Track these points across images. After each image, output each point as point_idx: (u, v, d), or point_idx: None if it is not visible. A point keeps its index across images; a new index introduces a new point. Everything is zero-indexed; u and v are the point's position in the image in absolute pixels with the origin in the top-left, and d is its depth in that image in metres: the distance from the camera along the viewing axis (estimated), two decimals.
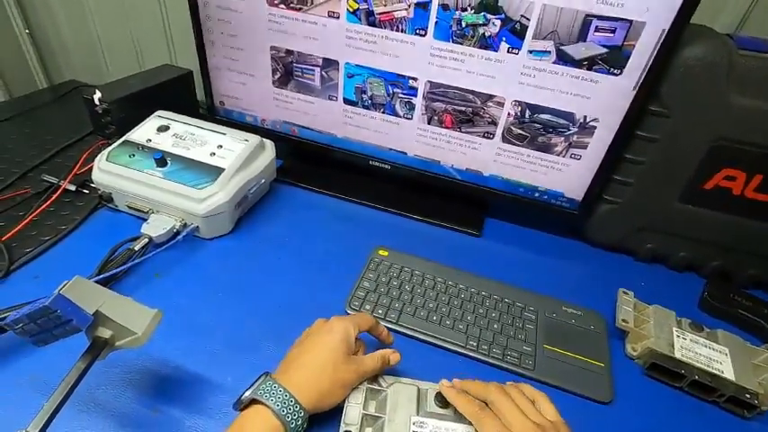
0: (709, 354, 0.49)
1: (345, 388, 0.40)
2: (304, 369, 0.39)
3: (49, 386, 0.34)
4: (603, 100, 0.55)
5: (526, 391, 0.40)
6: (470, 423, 0.38)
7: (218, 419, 0.41)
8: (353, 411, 0.40)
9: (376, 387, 0.42)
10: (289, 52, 0.65)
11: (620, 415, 0.46)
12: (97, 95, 0.69)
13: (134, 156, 0.61)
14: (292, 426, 0.35)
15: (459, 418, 0.40)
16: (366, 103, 0.66)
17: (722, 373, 0.47)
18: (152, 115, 0.68)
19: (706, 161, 0.56)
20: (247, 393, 0.37)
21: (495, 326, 0.52)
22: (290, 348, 0.42)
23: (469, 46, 0.56)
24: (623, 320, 0.52)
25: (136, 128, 0.66)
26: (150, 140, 0.64)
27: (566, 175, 0.62)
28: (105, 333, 0.36)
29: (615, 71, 0.52)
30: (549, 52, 0.54)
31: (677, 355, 0.49)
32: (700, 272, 0.65)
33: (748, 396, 0.46)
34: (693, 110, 0.54)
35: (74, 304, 0.33)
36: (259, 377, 0.38)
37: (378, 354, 0.43)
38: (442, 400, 0.41)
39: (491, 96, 0.59)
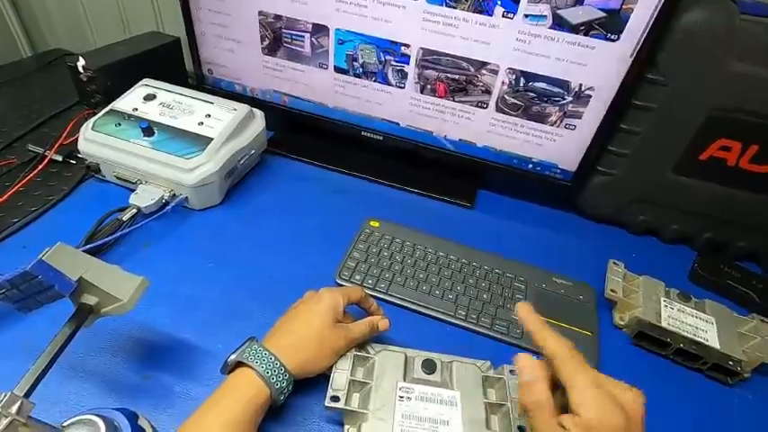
0: (696, 323, 0.50)
1: (333, 354, 0.40)
2: (290, 334, 0.39)
3: (38, 353, 0.34)
4: (600, 67, 0.53)
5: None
6: (456, 389, 0.39)
7: (208, 385, 0.42)
8: (341, 377, 0.40)
9: (364, 354, 0.42)
10: (277, 17, 0.63)
11: None
12: (81, 63, 0.67)
13: (120, 125, 0.60)
14: (277, 387, 0.36)
15: (445, 383, 0.40)
16: (357, 72, 0.64)
17: (707, 341, 0.48)
18: (138, 84, 0.67)
19: (702, 131, 0.55)
20: (233, 356, 0.37)
21: (485, 296, 0.53)
22: (279, 317, 0.43)
23: (463, 10, 0.54)
24: (612, 290, 0.52)
25: (122, 96, 0.64)
26: (137, 109, 0.62)
27: (560, 145, 0.61)
28: (90, 300, 0.36)
29: (612, 37, 0.51)
30: (546, 16, 0.52)
31: (664, 324, 0.49)
32: (691, 244, 0.66)
33: (731, 363, 0.47)
34: (691, 77, 0.52)
35: (55, 270, 0.33)
36: (245, 341, 0.38)
37: (366, 320, 0.43)
38: (428, 367, 0.41)
39: (485, 64, 0.57)
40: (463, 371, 0.42)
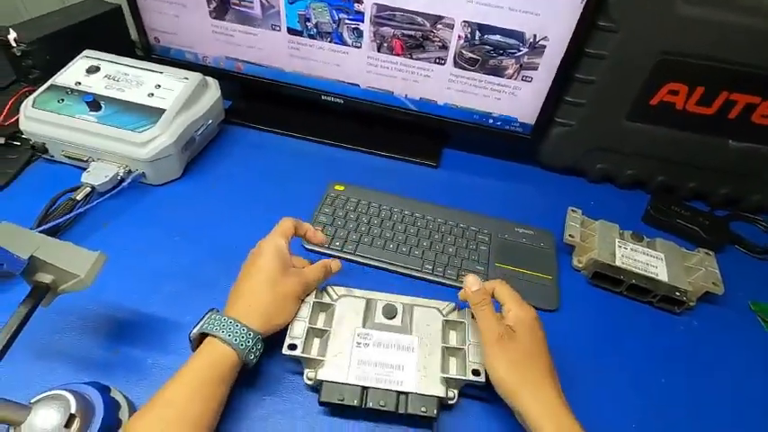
0: (647, 260, 0.53)
1: (293, 301, 0.41)
2: (245, 296, 0.40)
3: None
4: (552, 16, 0.53)
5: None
6: (414, 334, 0.41)
7: (180, 354, 0.42)
8: (299, 325, 0.41)
9: (325, 301, 0.43)
10: None
11: (565, 320, 0.50)
12: (12, 35, 0.63)
13: (63, 101, 0.57)
14: (242, 347, 0.36)
15: (405, 329, 0.42)
16: (312, 32, 0.62)
17: (657, 276, 0.51)
18: (79, 56, 0.63)
19: (652, 76, 0.57)
20: (194, 330, 0.37)
21: (450, 249, 0.54)
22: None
23: None
24: (570, 236, 0.55)
25: (62, 70, 0.61)
26: (80, 83, 0.59)
27: (518, 99, 0.62)
28: (46, 278, 0.35)
29: None
30: None
31: (618, 263, 0.52)
32: (646, 188, 0.69)
33: (678, 294, 0.50)
34: (640, 22, 0.53)
35: (2, 249, 0.32)
36: (205, 314, 0.39)
37: (318, 264, 0.45)
38: (389, 312, 0.43)
39: (440, 18, 0.57)
40: (424, 315, 0.43)
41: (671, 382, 0.46)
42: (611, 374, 0.46)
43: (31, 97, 0.57)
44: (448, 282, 0.51)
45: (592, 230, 0.56)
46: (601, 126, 0.63)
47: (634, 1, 0.52)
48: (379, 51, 0.62)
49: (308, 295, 0.43)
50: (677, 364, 0.48)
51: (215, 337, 0.36)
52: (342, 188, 0.60)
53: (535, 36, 0.56)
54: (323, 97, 0.68)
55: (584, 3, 0.52)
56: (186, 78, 0.61)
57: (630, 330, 0.50)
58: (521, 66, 0.59)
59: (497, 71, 0.60)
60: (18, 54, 0.64)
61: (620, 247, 0.54)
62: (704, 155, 0.62)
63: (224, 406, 0.37)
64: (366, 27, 0.60)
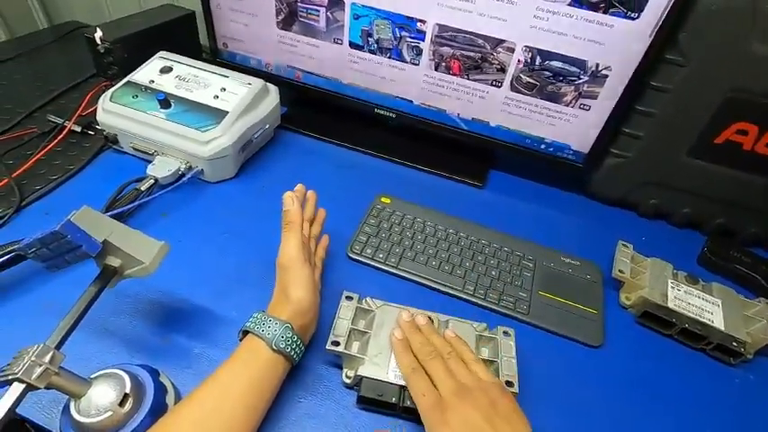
0: (702, 304, 0.50)
1: (316, 289, 0.42)
2: (278, 293, 0.42)
3: (66, 312, 0.35)
4: (618, 46, 0.53)
5: (465, 354, 0.41)
6: None
7: (225, 348, 0.44)
8: (342, 325, 0.43)
9: (365, 307, 0.45)
10: None
11: (608, 358, 0.48)
12: (98, 34, 0.68)
13: (137, 96, 0.61)
14: (268, 336, 0.38)
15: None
16: (372, 47, 0.64)
17: (712, 322, 0.49)
18: (155, 56, 0.67)
19: (719, 114, 0.55)
20: (241, 329, 0.39)
21: (493, 272, 0.54)
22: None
23: None
24: (620, 271, 0.53)
25: (138, 69, 0.65)
26: (153, 81, 0.63)
27: (574, 126, 0.61)
28: (114, 262, 0.38)
29: (632, 15, 0.50)
30: None
31: (670, 304, 0.50)
32: (702, 229, 0.66)
33: (735, 344, 0.47)
34: (711, 58, 0.52)
35: (82, 231, 0.34)
36: (253, 313, 0.40)
37: (319, 246, 0.50)
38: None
39: (501, 41, 0.57)
40: (458, 328, 0.44)
41: None
42: (653, 421, 0.44)
43: (110, 91, 0.62)
44: (489, 305, 0.51)
45: (643, 267, 0.54)
46: (658, 160, 0.61)
47: (706, 36, 0.51)
48: (436, 70, 0.63)
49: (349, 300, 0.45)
50: (727, 419, 0.45)
51: (252, 333, 0.38)
52: (388, 201, 0.61)
53: (598, 65, 0.55)
54: (376, 110, 0.70)
55: (652, 36, 0.51)
56: (249, 84, 0.64)
57: (678, 377, 0.48)
58: (580, 94, 0.58)
59: (555, 97, 0.59)
60: (102, 51, 0.69)
61: (672, 287, 0.52)
62: None
63: (270, 400, 0.38)
64: (426, 46, 0.61)
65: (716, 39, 0.50)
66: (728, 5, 0.49)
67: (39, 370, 0.30)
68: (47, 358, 0.30)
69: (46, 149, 0.62)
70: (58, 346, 0.33)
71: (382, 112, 0.69)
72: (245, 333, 0.39)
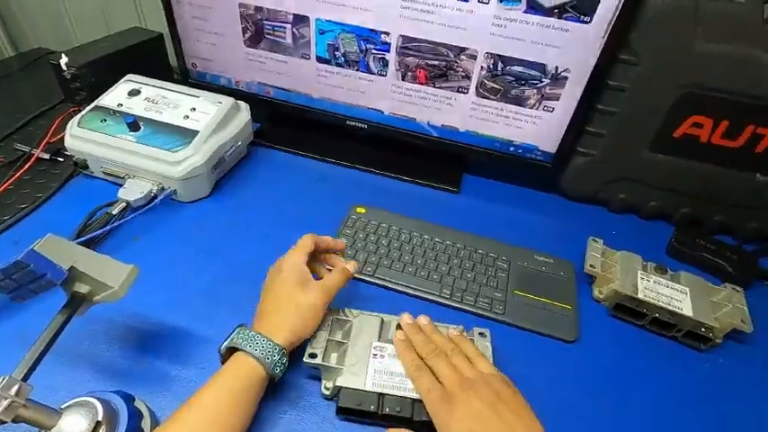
0: (671, 293, 0.52)
1: (315, 313, 0.42)
2: (269, 313, 0.41)
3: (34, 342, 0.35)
4: (574, 49, 0.55)
5: (468, 350, 0.42)
6: None
7: (204, 368, 0.43)
8: (320, 337, 0.43)
9: (342, 317, 0.45)
10: (258, 9, 0.63)
11: (584, 352, 0.49)
12: (64, 60, 0.68)
13: (106, 121, 0.61)
14: (268, 361, 0.37)
15: None
16: (339, 61, 0.65)
17: (681, 310, 0.50)
18: (122, 79, 0.67)
19: (674, 109, 0.57)
20: (225, 344, 0.39)
21: (469, 275, 0.54)
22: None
23: None
24: (591, 266, 0.54)
25: (106, 93, 0.65)
26: (121, 105, 0.63)
27: (539, 128, 0.63)
28: (83, 288, 0.37)
29: (585, 18, 0.52)
30: (520, 1, 0.53)
31: (640, 295, 0.51)
32: (669, 220, 0.68)
33: (704, 330, 0.49)
34: (661, 57, 0.54)
35: (47, 259, 0.34)
36: (234, 329, 0.40)
37: (337, 269, 0.46)
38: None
39: (463, 49, 0.59)
40: None
41: (693, 419, 0.45)
42: (630, 410, 0.45)
43: (77, 117, 0.61)
44: (465, 307, 0.52)
45: (613, 261, 0.56)
46: (623, 157, 0.63)
47: (655, 37, 0.53)
48: (403, 80, 0.64)
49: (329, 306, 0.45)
50: (701, 402, 0.46)
51: (244, 351, 0.38)
52: (363, 210, 0.61)
53: (557, 68, 0.57)
54: (347, 122, 0.71)
55: (605, 37, 0.53)
56: (220, 102, 0.64)
57: (652, 365, 0.49)
58: (542, 96, 0.60)
59: (519, 101, 0.61)
60: (68, 77, 0.69)
61: (642, 279, 0.53)
62: (731, 188, 0.61)
63: (252, 418, 0.38)
64: (391, 57, 0.62)
65: (664, 38, 0.53)
66: (672, 6, 0.51)
67: (4, 403, 0.29)
68: (12, 391, 0.30)
69: (14, 178, 0.61)
70: (25, 378, 0.32)
71: (353, 123, 0.70)
72: (231, 350, 0.39)
